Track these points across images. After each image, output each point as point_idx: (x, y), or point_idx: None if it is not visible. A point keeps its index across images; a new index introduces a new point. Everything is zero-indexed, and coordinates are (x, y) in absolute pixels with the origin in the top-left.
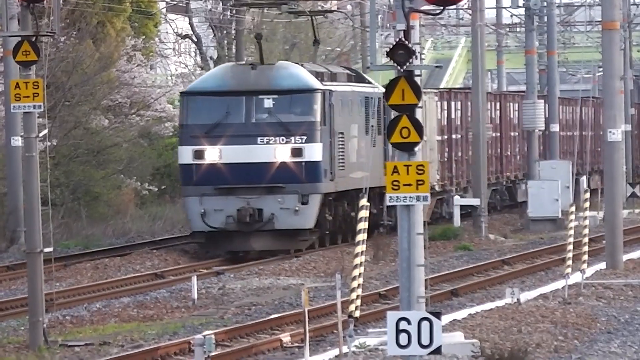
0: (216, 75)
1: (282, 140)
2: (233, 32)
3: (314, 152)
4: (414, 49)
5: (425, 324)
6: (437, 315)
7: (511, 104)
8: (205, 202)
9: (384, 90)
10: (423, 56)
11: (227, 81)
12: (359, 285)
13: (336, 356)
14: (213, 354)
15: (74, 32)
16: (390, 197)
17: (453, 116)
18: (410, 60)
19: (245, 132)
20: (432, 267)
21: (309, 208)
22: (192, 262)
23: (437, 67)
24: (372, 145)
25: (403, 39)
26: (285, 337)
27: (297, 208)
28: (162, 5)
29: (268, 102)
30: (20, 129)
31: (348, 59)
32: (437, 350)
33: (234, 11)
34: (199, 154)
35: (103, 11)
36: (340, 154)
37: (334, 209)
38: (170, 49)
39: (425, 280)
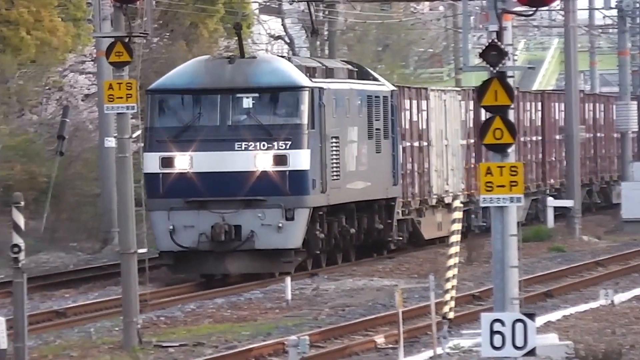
0: (187, 70)
1: (263, 146)
2: (326, 33)
3: (300, 159)
4: (506, 50)
5: (519, 325)
6: (531, 316)
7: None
8: (174, 218)
9: (392, 88)
10: (515, 57)
11: (199, 77)
12: (452, 286)
13: (430, 358)
14: (307, 355)
15: (167, 33)
16: (484, 198)
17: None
18: (503, 62)
19: (220, 136)
20: (526, 268)
21: (294, 224)
22: None
23: (529, 68)
24: (377, 151)
25: (495, 40)
26: (379, 339)
27: (280, 224)
28: (254, 6)
29: (247, 102)
30: (113, 129)
31: (440, 59)
32: (532, 352)
33: (327, 12)
34: (166, 162)
35: (196, 12)
36: (334, 161)
37: (327, 225)
38: (263, 50)
39: (519, 281)
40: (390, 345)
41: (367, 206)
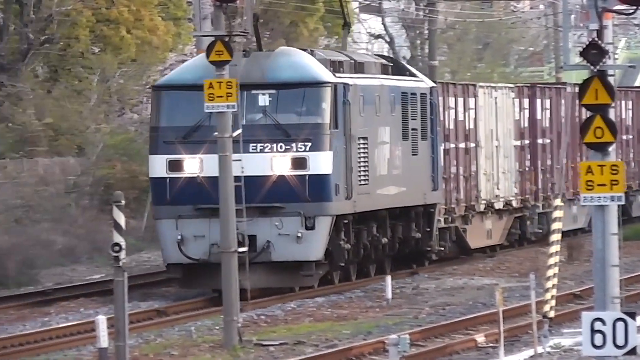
0: (197, 64)
1: (280, 147)
2: (426, 31)
3: (321, 162)
4: (607, 48)
5: (620, 324)
6: (632, 315)
7: None
8: (183, 227)
9: (432, 84)
10: (616, 56)
11: (210, 72)
12: (553, 285)
13: (531, 356)
14: (407, 354)
15: (267, 32)
16: (584, 197)
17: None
18: (603, 60)
19: (234, 137)
20: (627, 267)
21: (315, 234)
22: None
23: (630, 67)
24: (413, 154)
25: (596, 39)
26: (480, 337)
27: (299, 234)
28: (355, 5)
29: (263, 99)
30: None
31: (541, 58)
32: (633, 351)
33: (427, 11)
34: (174, 166)
35: (296, 11)
36: (362, 165)
37: (353, 234)
38: (363, 49)
39: (620, 280)
40: (491, 344)
41: (402, 213)
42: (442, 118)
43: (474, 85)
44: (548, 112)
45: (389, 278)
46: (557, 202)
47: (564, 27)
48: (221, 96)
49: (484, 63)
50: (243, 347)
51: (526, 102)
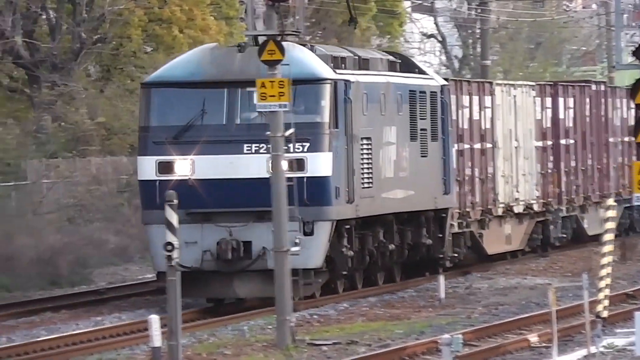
0: (190, 60)
1: None
2: (478, 31)
3: (320, 164)
4: None
5: None
6: None
7: None
8: None
9: (443, 82)
10: None
11: (203, 68)
12: (606, 285)
13: (584, 356)
14: (460, 353)
15: (319, 32)
16: (637, 197)
17: None
18: None
19: (227, 137)
20: None
21: (314, 240)
22: None
23: None
24: (422, 155)
25: None
26: (533, 337)
27: (297, 240)
28: (407, 4)
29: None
30: None
31: (593, 57)
32: None
33: (479, 10)
34: (164, 167)
35: (348, 11)
36: (365, 167)
37: (357, 241)
38: (415, 48)
39: None
40: (544, 344)
41: (411, 218)
42: (455, 117)
43: (490, 83)
44: (572, 111)
45: (441, 278)
46: (610, 201)
47: (617, 27)
48: (273, 95)
49: (536, 62)
50: (296, 346)
51: (548, 101)
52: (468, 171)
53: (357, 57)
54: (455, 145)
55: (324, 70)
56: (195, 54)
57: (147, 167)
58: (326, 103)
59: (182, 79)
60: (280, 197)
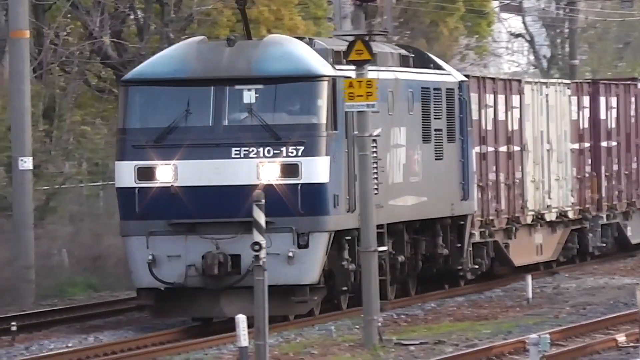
0: (174, 55)
1: (269, 152)
2: (566, 30)
3: (316, 169)
4: None
5: None
6: None
7: None
8: (155, 245)
9: (462, 78)
10: None
11: (188, 64)
12: None
13: None
14: (548, 353)
15: (407, 32)
16: None
17: None
18: None
19: (214, 140)
20: None
21: (309, 253)
22: None
23: None
24: (436, 158)
25: None
26: (620, 337)
27: (290, 254)
28: (495, 4)
29: (248, 96)
30: None
31: None
32: None
33: (567, 9)
34: (144, 174)
35: (436, 10)
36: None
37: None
38: (503, 47)
39: None
40: (632, 344)
41: (425, 227)
42: (477, 117)
43: (519, 81)
44: (614, 111)
45: (529, 277)
46: None
47: None
48: (361, 95)
49: (624, 62)
50: (383, 346)
51: (586, 100)
52: (492, 176)
53: None
54: (477, 148)
55: (321, 66)
56: (179, 48)
57: (126, 173)
58: (323, 102)
59: (164, 76)
60: (367, 196)
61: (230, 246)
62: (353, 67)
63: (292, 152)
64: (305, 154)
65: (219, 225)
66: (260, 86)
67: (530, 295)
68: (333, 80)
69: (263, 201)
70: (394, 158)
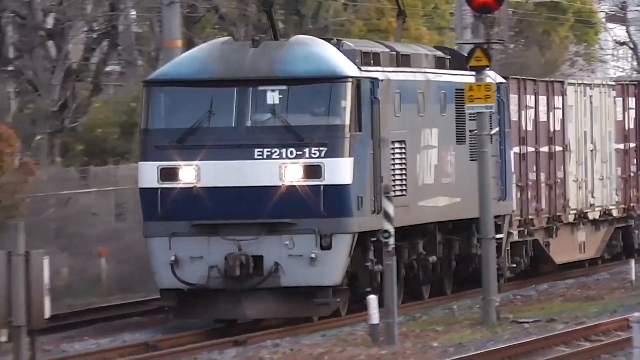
0: (197, 56)
1: (291, 153)
2: None
3: (339, 170)
4: None
5: None
6: None
7: None
8: (177, 246)
9: (499, 79)
10: None
11: (212, 65)
12: None
13: None
14: None
15: (522, 40)
16: None
17: None
18: None
19: (237, 141)
20: None
21: (331, 255)
22: None
23: None
24: (471, 159)
25: None
26: None
27: (313, 255)
28: (602, 15)
29: (271, 96)
30: None
31: None
32: None
33: None
34: (167, 174)
35: (548, 21)
36: (397, 173)
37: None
38: (609, 55)
39: None
40: None
41: (460, 228)
42: (517, 118)
43: (562, 82)
44: None
45: (632, 261)
46: None
47: None
48: (480, 98)
49: None
50: (500, 324)
51: (632, 101)
52: (532, 176)
53: (394, 53)
54: (517, 148)
55: (346, 67)
56: (203, 49)
57: (148, 174)
58: (347, 103)
59: (188, 77)
60: (486, 188)
61: (253, 247)
62: (380, 69)
63: (314, 154)
64: (328, 155)
65: (242, 226)
66: (283, 87)
67: (633, 277)
68: (358, 82)
69: (392, 193)
70: (424, 159)
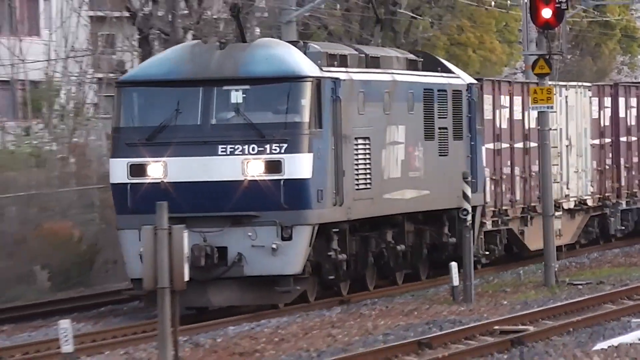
0: (167, 57)
1: (253, 149)
2: None
3: (299, 165)
4: None
5: None
6: None
7: None
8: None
9: (471, 80)
10: None
11: (180, 66)
12: None
13: None
14: None
15: (577, 52)
16: None
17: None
18: None
19: (201, 138)
20: None
21: (292, 245)
22: None
23: None
24: (441, 154)
25: None
26: None
27: (274, 246)
28: None
29: (235, 96)
30: None
31: None
32: None
33: None
34: (136, 170)
35: (599, 35)
36: (361, 168)
37: (356, 243)
38: None
39: None
40: None
41: (431, 218)
42: (491, 117)
43: (536, 84)
44: (634, 110)
45: None
46: None
47: None
48: (542, 99)
49: None
50: (559, 286)
51: (607, 100)
52: (506, 170)
53: (362, 55)
54: (491, 145)
55: (305, 68)
56: (174, 51)
57: (119, 170)
58: (306, 102)
59: (156, 78)
60: (547, 173)
61: (217, 239)
62: (343, 69)
63: (275, 149)
64: (288, 151)
65: (207, 219)
66: (246, 87)
67: None
68: (318, 81)
69: (469, 178)
70: (390, 155)
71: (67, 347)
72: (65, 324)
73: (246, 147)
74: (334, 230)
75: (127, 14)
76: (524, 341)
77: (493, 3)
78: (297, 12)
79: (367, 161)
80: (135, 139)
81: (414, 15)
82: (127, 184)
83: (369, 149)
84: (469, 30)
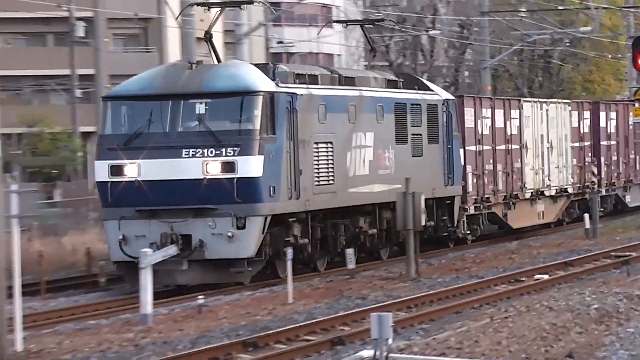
0: (145, 76)
1: (211, 152)
2: None
3: (250, 166)
4: None
5: None
6: None
7: None
8: (125, 227)
9: (447, 97)
10: None
11: (154, 83)
12: None
13: None
14: None
15: None
16: None
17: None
18: None
19: (169, 143)
20: None
21: (246, 233)
22: None
23: None
24: (414, 155)
25: None
26: None
27: (230, 234)
28: None
29: (199, 108)
30: None
31: None
32: None
33: None
34: (115, 170)
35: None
36: (322, 167)
37: (319, 229)
38: None
39: None
40: None
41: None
42: (472, 125)
43: (519, 100)
44: (614, 121)
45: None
46: None
47: None
48: (638, 115)
49: None
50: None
51: (586, 114)
52: (489, 166)
53: (335, 75)
54: (473, 147)
55: (259, 84)
56: (152, 71)
57: (102, 170)
58: (259, 112)
59: (133, 93)
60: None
61: (183, 228)
62: (304, 85)
63: (230, 152)
64: (240, 153)
65: (174, 211)
66: (209, 100)
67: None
68: (271, 95)
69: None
70: (356, 156)
71: (351, 265)
72: (350, 251)
73: (206, 150)
74: (291, 219)
75: None
76: (630, 262)
77: (610, 56)
78: (490, 61)
79: (330, 161)
80: (115, 144)
81: (562, 64)
82: (108, 182)
83: (331, 151)
84: (595, 72)
